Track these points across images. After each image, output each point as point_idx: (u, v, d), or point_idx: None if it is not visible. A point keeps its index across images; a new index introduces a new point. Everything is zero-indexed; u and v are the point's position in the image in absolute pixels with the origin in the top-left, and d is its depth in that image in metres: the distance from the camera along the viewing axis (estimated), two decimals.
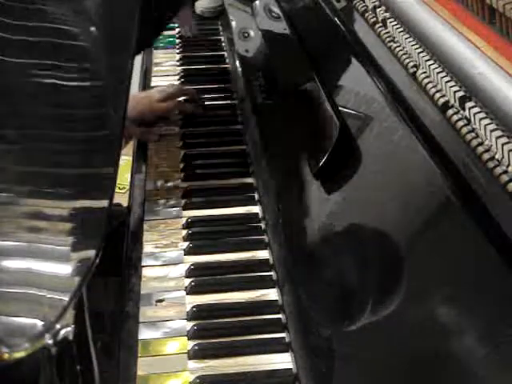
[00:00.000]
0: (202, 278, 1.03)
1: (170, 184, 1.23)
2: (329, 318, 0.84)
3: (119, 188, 1.25)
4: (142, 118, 1.40)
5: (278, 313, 0.96)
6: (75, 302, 0.64)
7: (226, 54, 1.65)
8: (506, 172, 0.73)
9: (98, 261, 0.68)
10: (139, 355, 0.92)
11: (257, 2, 1.53)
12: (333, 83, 1.11)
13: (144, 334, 0.95)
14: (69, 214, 0.77)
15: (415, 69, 0.94)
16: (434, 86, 0.88)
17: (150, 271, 1.06)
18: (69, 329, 0.63)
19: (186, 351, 0.93)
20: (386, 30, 1.05)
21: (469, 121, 0.80)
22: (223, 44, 1.70)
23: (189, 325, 0.96)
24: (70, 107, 0.91)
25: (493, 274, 0.68)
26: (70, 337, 0.64)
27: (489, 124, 0.77)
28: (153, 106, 1.43)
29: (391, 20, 1.05)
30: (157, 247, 1.10)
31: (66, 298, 0.64)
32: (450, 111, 0.83)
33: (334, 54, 1.21)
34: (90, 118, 0.91)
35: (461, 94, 0.83)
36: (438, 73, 0.88)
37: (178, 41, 1.73)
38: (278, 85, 1.24)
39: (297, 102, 1.15)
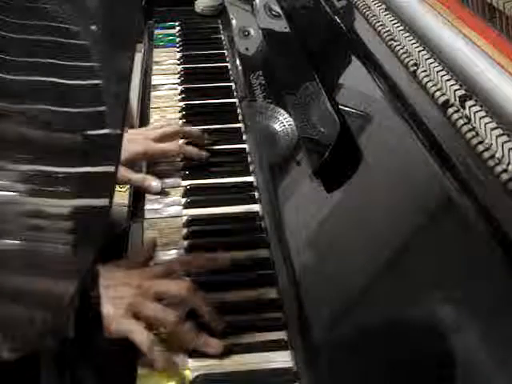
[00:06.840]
0: (202, 277, 1.03)
1: (170, 183, 1.23)
2: (329, 317, 0.84)
3: (120, 187, 1.24)
4: (134, 160, 1.23)
5: (279, 311, 0.96)
6: (75, 301, 0.64)
7: (226, 52, 1.65)
8: (505, 171, 0.73)
9: (98, 260, 0.68)
10: (139, 353, 0.92)
11: (257, 1, 1.53)
12: (333, 81, 1.11)
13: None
14: (69, 213, 0.77)
15: (415, 67, 0.94)
16: (434, 85, 0.88)
17: None
18: (69, 328, 0.63)
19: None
20: (386, 29, 1.05)
21: (469, 119, 0.80)
22: (223, 42, 1.70)
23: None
24: (70, 105, 0.91)
25: (493, 272, 0.68)
26: (70, 336, 0.64)
27: (489, 122, 0.77)
28: (149, 146, 1.24)
29: (391, 18, 1.05)
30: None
31: (66, 297, 0.64)
32: (450, 110, 0.83)
33: (334, 53, 1.21)
34: (90, 117, 0.91)
35: (461, 92, 0.83)
36: (438, 71, 0.88)
37: (178, 39, 1.73)
38: (278, 83, 1.24)
39: (297, 100, 1.15)
